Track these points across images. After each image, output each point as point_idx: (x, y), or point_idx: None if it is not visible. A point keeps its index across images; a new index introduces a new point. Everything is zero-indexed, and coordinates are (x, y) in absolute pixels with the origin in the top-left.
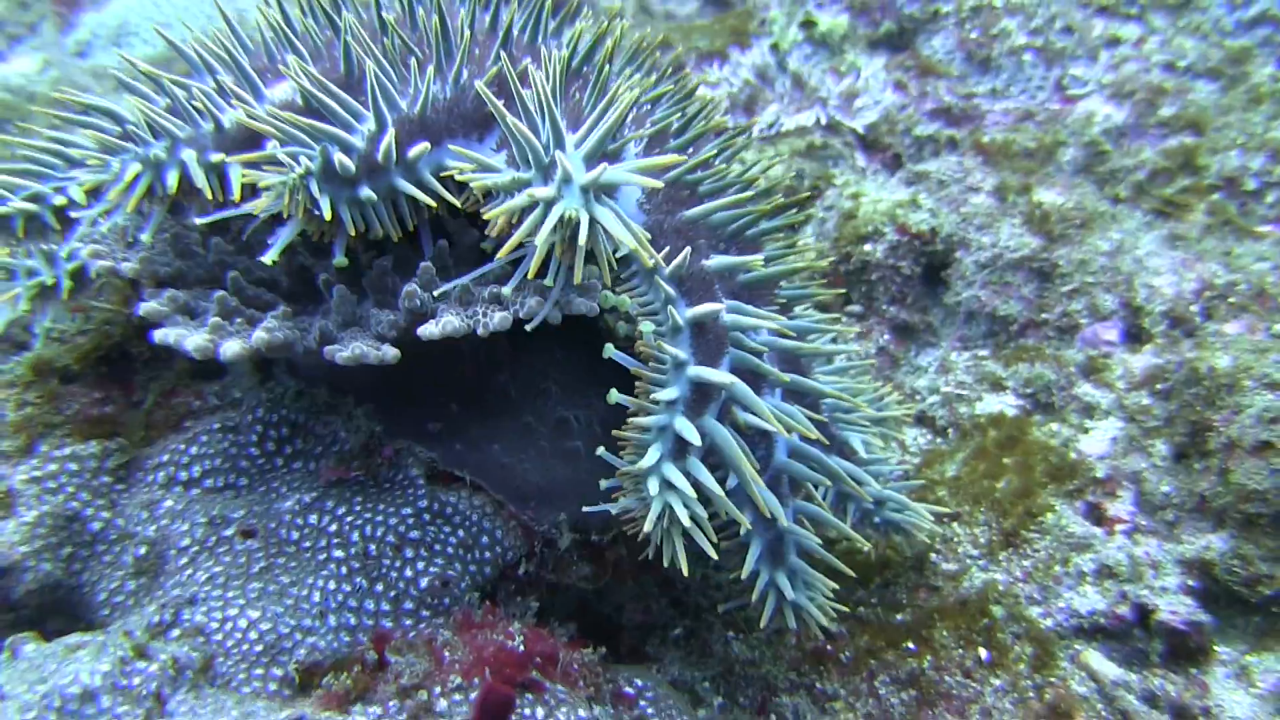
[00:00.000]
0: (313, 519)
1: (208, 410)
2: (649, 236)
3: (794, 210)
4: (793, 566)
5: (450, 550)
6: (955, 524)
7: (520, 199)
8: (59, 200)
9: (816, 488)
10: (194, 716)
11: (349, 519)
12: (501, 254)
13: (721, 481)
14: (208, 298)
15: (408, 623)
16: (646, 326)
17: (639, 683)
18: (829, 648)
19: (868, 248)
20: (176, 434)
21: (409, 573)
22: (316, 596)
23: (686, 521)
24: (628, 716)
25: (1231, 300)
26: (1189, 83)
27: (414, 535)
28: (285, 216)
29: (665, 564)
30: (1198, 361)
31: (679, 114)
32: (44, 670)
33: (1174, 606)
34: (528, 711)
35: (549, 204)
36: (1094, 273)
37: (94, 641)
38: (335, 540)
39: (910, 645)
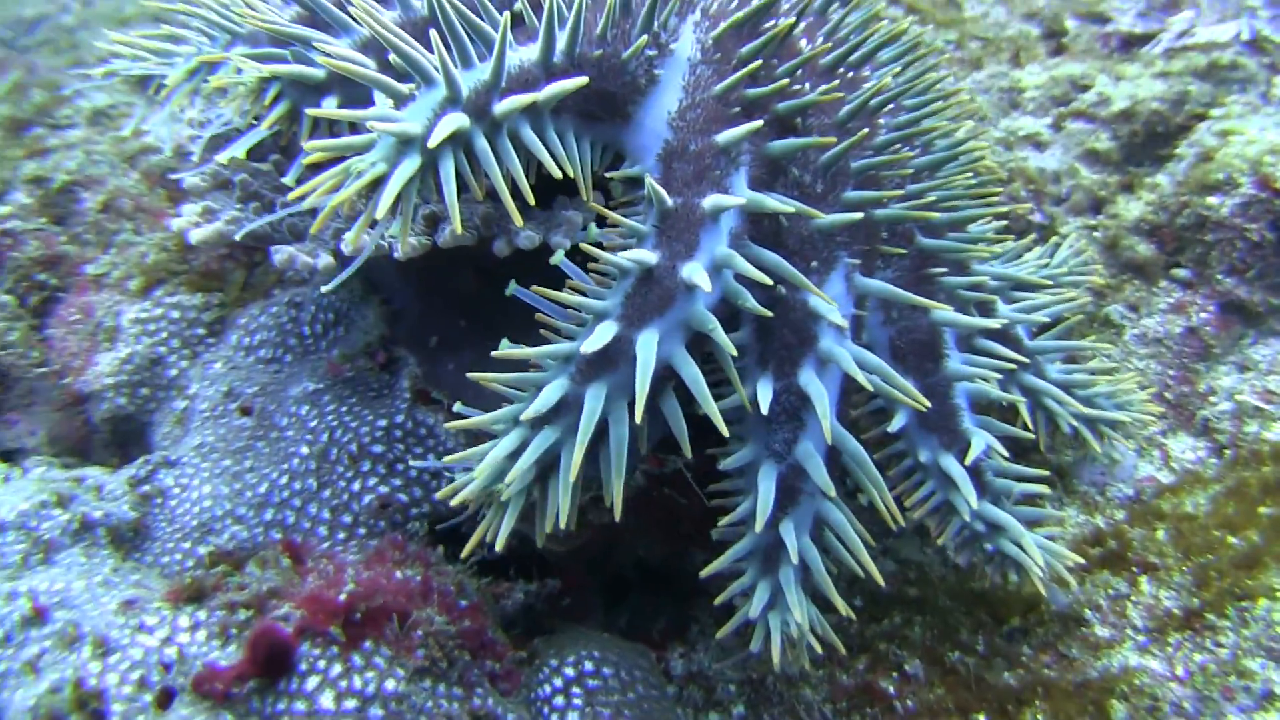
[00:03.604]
0: (303, 409)
1: (296, 282)
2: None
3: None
4: (782, 580)
5: (413, 473)
6: (1143, 578)
7: (321, 148)
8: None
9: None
10: (66, 570)
11: (331, 418)
12: (293, 194)
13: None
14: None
15: (341, 536)
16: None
17: (588, 666)
18: (891, 689)
19: (1212, 200)
20: (263, 300)
21: (356, 486)
22: (264, 488)
23: (469, 495)
24: (484, 701)
25: None
26: None
27: (376, 449)
28: (237, 117)
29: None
30: None
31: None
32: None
33: None
34: (322, 665)
35: (349, 154)
36: None
37: (52, 482)
38: (308, 437)
39: (982, 719)
